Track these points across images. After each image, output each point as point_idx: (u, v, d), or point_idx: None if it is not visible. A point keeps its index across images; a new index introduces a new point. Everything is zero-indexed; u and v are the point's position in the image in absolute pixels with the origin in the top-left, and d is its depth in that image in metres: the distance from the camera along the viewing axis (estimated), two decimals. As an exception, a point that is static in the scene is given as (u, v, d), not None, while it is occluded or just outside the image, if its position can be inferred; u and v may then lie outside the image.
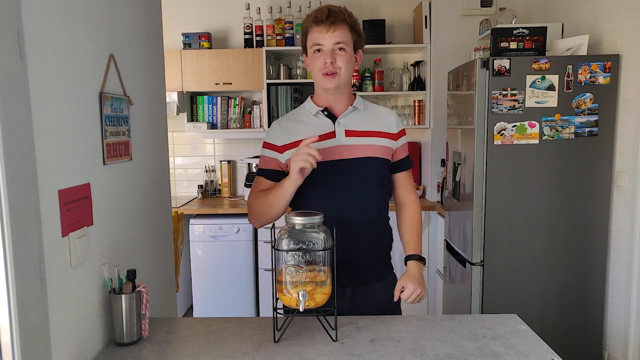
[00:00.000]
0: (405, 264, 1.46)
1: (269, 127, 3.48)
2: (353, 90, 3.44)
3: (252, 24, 3.53)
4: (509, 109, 2.30)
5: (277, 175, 1.48)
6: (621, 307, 2.32)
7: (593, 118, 2.31)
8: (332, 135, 1.42)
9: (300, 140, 1.39)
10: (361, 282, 1.44)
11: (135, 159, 1.44)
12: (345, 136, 1.42)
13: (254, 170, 3.68)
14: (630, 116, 2.23)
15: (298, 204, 1.41)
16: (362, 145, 1.42)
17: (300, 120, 1.47)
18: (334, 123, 1.43)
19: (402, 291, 1.39)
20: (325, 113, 1.44)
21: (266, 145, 1.49)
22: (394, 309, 1.47)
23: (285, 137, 1.44)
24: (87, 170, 1.14)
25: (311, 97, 1.50)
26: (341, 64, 1.37)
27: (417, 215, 1.53)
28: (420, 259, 1.45)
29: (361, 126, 1.45)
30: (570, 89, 2.29)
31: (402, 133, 1.51)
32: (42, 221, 0.94)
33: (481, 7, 3.28)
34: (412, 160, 1.56)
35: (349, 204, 1.40)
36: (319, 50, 1.38)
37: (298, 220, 1.15)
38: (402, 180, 1.53)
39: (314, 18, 1.37)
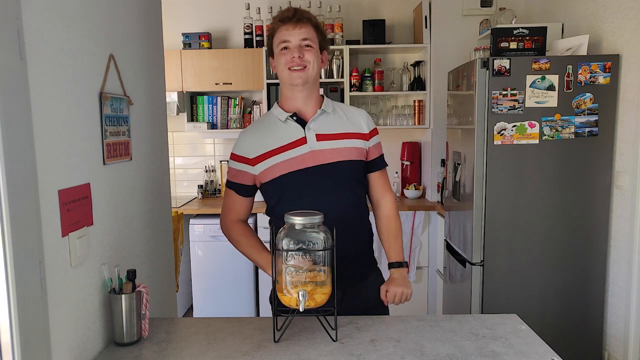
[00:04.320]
0: (389, 269, 1.50)
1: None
2: (352, 91, 3.46)
3: (252, 24, 3.53)
4: (509, 109, 2.30)
5: (249, 190, 1.47)
6: (621, 307, 2.32)
7: (593, 118, 2.31)
8: (303, 141, 1.41)
9: (273, 151, 1.41)
10: (350, 282, 1.44)
11: (135, 159, 1.44)
12: (317, 140, 1.41)
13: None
14: (630, 116, 2.24)
15: (277, 212, 1.40)
16: (335, 149, 1.42)
17: (269, 128, 1.45)
18: (304, 128, 1.42)
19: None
20: (295, 118, 1.43)
21: (236, 158, 1.46)
22: (380, 303, 1.48)
23: (257, 149, 1.43)
24: (87, 170, 1.14)
25: (277, 102, 1.49)
26: (310, 58, 1.39)
27: (393, 218, 1.53)
28: (400, 264, 1.48)
29: (332, 129, 1.44)
30: (570, 89, 2.29)
31: (374, 132, 1.51)
32: (42, 221, 0.94)
33: (481, 7, 3.28)
34: (385, 160, 1.55)
35: (328, 208, 1.36)
36: (286, 48, 1.39)
37: (298, 220, 1.15)
38: (377, 180, 1.53)
39: (280, 18, 1.40)
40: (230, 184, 1.48)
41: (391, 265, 1.50)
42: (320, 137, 1.42)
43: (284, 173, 1.39)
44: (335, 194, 1.41)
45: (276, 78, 3.55)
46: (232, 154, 1.48)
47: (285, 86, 1.45)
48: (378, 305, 1.47)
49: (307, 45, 1.39)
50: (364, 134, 1.47)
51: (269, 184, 1.42)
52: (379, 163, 1.53)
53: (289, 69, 1.38)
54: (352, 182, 1.45)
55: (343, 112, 1.50)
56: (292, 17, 1.38)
